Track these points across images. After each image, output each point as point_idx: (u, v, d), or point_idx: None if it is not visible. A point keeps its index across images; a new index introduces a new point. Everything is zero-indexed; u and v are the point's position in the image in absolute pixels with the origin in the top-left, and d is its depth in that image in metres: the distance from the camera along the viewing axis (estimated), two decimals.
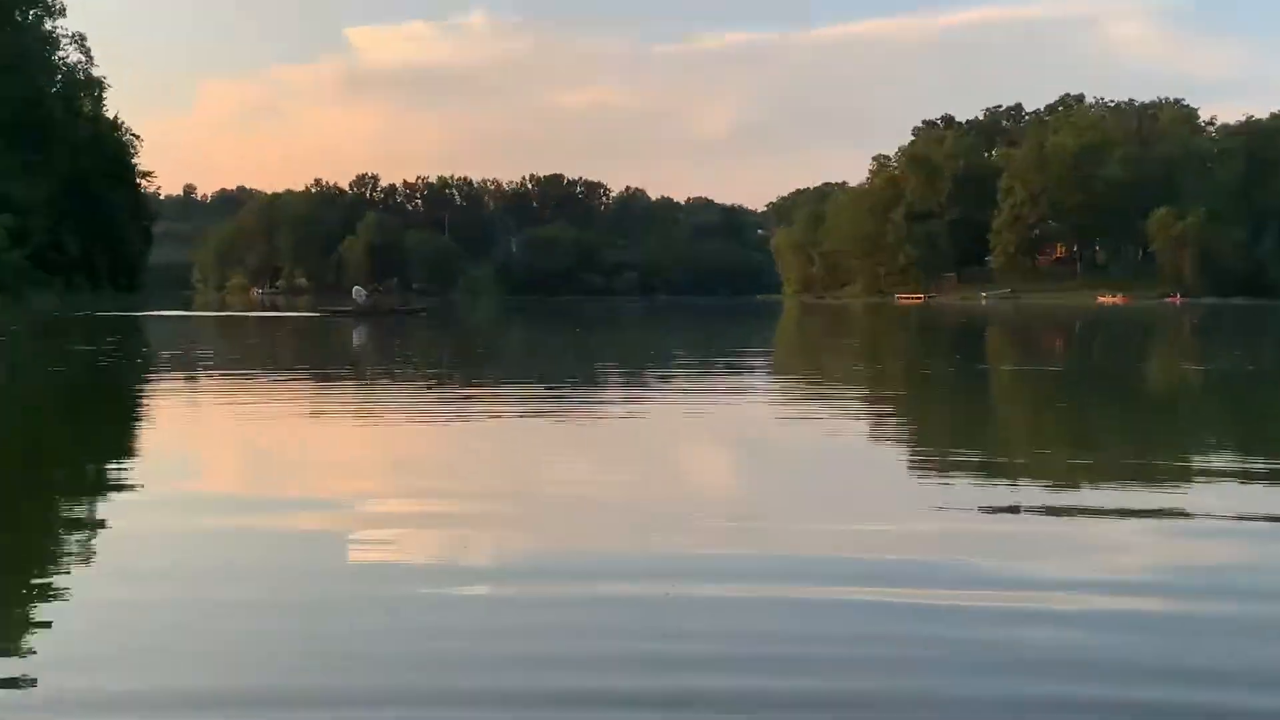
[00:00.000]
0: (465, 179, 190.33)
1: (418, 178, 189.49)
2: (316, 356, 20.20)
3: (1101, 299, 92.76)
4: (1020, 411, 11.62)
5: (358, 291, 44.58)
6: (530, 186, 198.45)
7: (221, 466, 7.30)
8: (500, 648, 3.41)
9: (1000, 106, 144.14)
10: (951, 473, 6.80)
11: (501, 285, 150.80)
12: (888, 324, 47.04)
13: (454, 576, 4.28)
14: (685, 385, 13.71)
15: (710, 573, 4.30)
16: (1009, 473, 6.93)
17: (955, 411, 11.24)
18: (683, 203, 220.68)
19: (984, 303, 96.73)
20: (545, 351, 22.85)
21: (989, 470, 6.97)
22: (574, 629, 3.60)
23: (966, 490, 6.12)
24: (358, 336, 27.38)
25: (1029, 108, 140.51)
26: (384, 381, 13.78)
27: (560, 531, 5.09)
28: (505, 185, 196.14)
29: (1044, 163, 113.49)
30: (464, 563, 4.55)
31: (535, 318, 47.26)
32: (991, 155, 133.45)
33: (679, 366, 17.44)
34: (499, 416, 9.92)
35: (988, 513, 5.47)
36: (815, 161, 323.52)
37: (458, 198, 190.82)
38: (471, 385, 13.48)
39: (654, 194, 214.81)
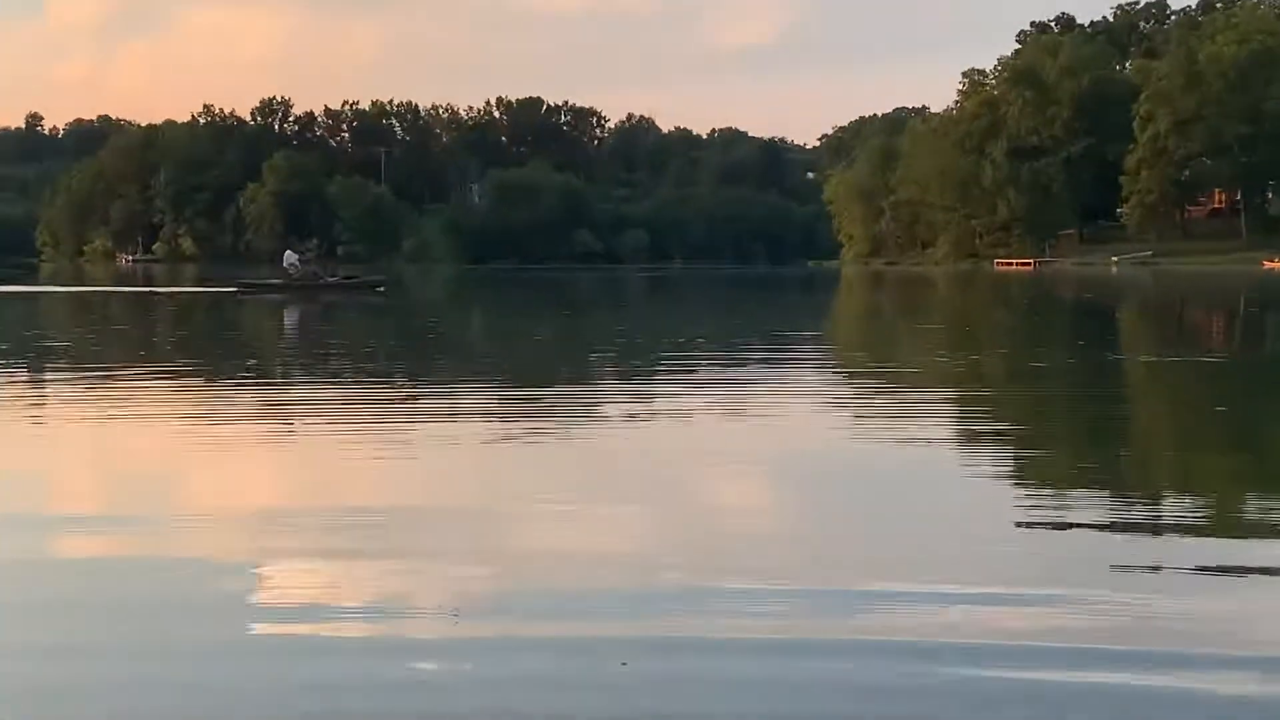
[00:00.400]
0: (409, 105, 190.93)
1: (344, 103, 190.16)
2: (224, 348, 20.19)
3: (1270, 264, 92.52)
4: (1174, 421, 11.51)
5: (289, 258, 43.79)
6: (498, 115, 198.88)
7: (67, 487, 7.58)
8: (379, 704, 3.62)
9: (1137, 3, 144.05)
10: (1093, 511, 6.70)
11: (460, 248, 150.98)
12: (985, 299, 46.93)
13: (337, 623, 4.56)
14: (710, 386, 13.79)
15: (735, 650, 4.23)
16: (1184, 513, 6.83)
17: (1083, 422, 11.14)
18: (705, 136, 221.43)
19: (1114, 269, 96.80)
20: (516, 342, 22.84)
21: (1151, 511, 6.87)
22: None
23: (1135, 544, 6.02)
24: (290, 320, 27.44)
25: (1175, 4, 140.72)
26: (309, 381, 13.80)
27: (505, 578, 5.16)
28: (464, 113, 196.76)
29: (1196, 79, 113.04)
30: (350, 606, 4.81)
31: (507, 293, 47.22)
32: (1125, 69, 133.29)
33: (701, 358, 17.59)
34: (450, 436, 9.90)
35: (1182, 573, 5.36)
36: (885, 80, 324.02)
37: (399, 130, 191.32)
38: (422, 383, 13.54)
39: (666, 125, 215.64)
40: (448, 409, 11.54)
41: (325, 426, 10.21)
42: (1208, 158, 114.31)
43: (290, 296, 37.69)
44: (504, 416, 11.06)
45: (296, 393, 13.15)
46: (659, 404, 12.19)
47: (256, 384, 13.96)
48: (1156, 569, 5.42)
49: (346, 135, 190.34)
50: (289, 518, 6.63)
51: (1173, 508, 6.91)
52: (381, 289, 43.60)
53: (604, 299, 41.87)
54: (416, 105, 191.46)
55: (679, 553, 5.82)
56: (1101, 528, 6.21)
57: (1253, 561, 5.56)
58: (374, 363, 17.16)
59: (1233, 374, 15.76)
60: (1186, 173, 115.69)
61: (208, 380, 14.52)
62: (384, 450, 8.99)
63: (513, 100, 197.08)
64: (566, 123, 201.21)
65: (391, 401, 12.11)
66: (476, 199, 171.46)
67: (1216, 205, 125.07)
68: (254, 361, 17.45)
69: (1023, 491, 7.33)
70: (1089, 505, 6.81)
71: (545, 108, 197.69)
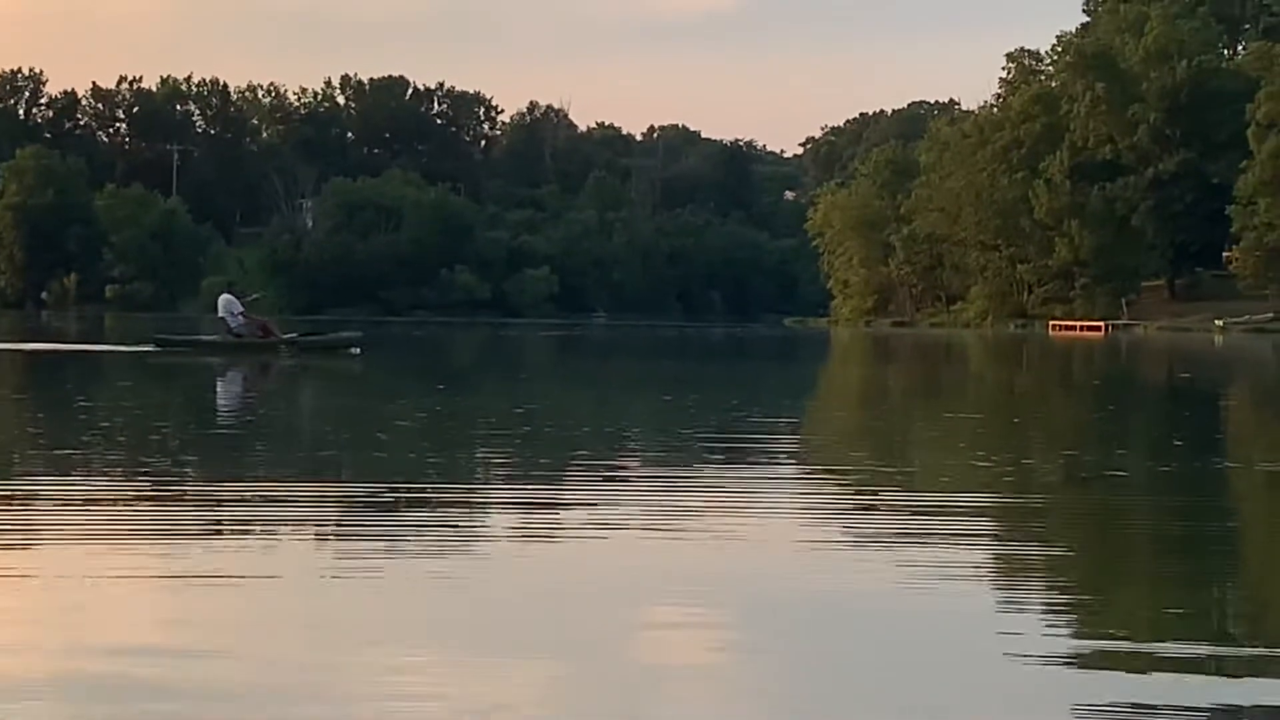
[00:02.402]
0: (214, 84, 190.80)
1: (121, 81, 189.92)
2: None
3: None
4: None
5: (227, 304, 45.19)
6: (342, 101, 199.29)
7: None
8: None
9: None
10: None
11: (285, 292, 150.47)
12: (1037, 375, 47.27)
13: None
14: (642, 495, 13.92)
15: None
16: None
17: (1180, 555, 11.22)
18: (640, 138, 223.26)
19: (1219, 338, 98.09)
20: (367, 426, 22.75)
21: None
22: None
23: None
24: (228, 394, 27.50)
25: None
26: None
27: None
28: (293, 98, 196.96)
29: None
30: None
31: (376, 354, 47.08)
32: (1235, 54, 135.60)
33: (632, 456, 17.78)
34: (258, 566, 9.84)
35: None
36: (896, 62, 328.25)
37: (200, 120, 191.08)
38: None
39: (585, 120, 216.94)
40: (261, 526, 11.50)
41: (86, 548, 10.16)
42: None
43: (228, 358, 40.36)
44: (347, 535, 11.05)
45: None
46: (568, 517, 12.26)
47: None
48: None
49: (123, 126, 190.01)
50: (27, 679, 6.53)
51: None
52: (356, 350, 45.33)
53: (494, 368, 41.90)
54: (225, 85, 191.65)
55: None
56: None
57: None
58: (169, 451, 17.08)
59: None
60: None
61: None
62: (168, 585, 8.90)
63: (364, 80, 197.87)
64: (441, 113, 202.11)
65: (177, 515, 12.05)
66: (310, 222, 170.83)
67: None
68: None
69: (1083, 665, 7.34)
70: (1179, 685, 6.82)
71: (411, 92, 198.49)
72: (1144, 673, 6.99)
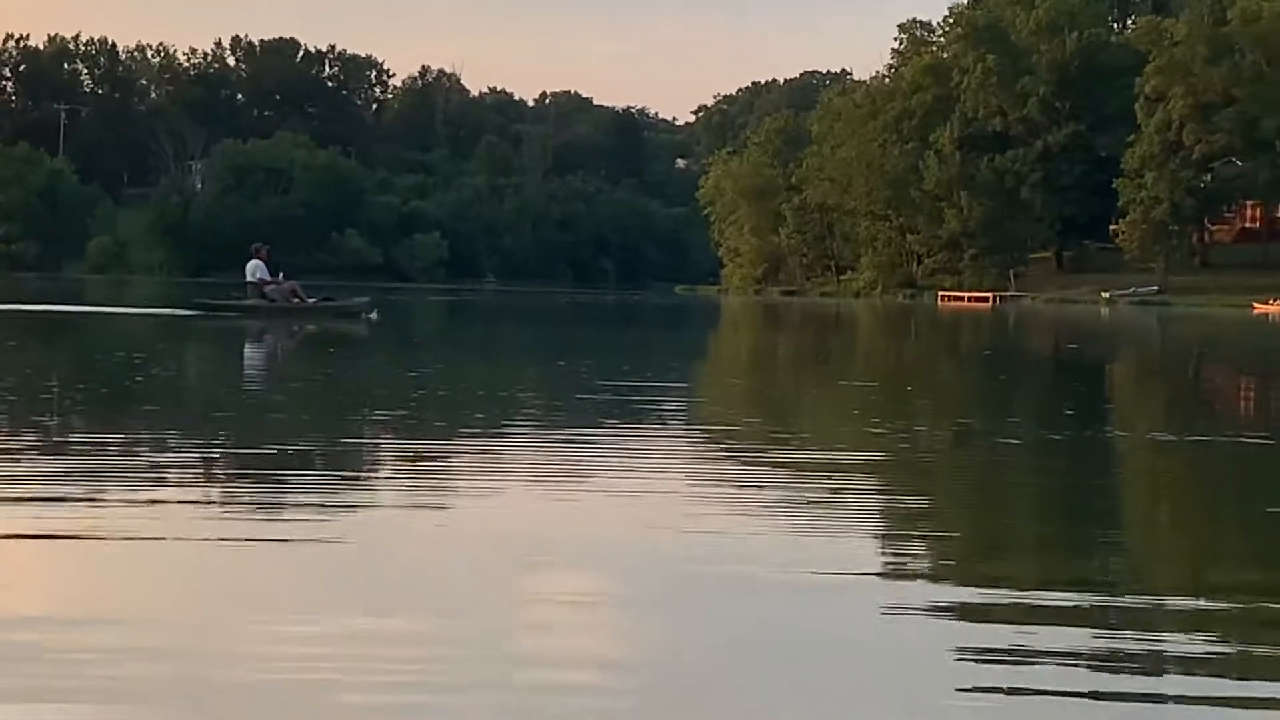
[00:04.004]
0: (103, 43, 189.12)
1: (6, 39, 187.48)
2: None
3: (1263, 307, 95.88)
4: (1206, 524, 11.71)
5: (254, 269, 46.03)
6: (233, 62, 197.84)
7: None
8: None
9: None
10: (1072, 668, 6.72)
11: (173, 254, 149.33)
12: (927, 345, 47.58)
13: None
14: (534, 459, 13.85)
15: None
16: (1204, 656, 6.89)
17: (1073, 522, 11.27)
18: (532, 103, 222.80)
19: (1105, 310, 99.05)
20: (247, 390, 22.58)
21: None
22: None
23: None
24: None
25: None
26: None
27: None
28: (183, 58, 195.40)
29: (1224, 46, 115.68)
30: None
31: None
32: (1124, 28, 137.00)
33: (523, 420, 17.72)
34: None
35: None
36: (788, 31, 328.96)
37: (88, 80, 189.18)
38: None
39: (477, 85, 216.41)
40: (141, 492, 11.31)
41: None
42: (1239, 157, 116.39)
43: (265, 322, 41.46)
44: (226, 500, 10.94)
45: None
46: (459, 478, 12.22)
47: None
48: None
49: (10, 85, 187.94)
50: None
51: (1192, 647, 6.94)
52: (371, 314, 46.32)
53: (385, 332, 41.72)
54: (113, 44, 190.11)
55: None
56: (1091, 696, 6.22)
57: None
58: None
59: None
60: (1209, 177, 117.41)
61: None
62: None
63: (255, 42, 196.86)
64: (332, 76, 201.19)
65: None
66: (199, 183, 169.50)
67: (1249, 224, 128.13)
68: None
69: (984, 631, 7.31)
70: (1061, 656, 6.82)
71: (302, 54, 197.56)
72: (1026, 623, 7.03)
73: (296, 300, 45.77)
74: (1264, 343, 53.14)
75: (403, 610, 7.32)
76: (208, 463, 12.85)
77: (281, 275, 46.38)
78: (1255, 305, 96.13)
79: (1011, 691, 5.96)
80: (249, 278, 46.08)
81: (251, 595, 7.60)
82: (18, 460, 12.35)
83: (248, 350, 33.44)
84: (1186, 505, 12.65)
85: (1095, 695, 5.93)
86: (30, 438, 14.14)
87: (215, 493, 11.35)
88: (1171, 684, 6.16)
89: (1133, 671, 6.34)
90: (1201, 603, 7.81)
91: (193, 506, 10.49)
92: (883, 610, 7.37)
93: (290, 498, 10.88)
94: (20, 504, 10.05)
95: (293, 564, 8.50)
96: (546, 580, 8.25)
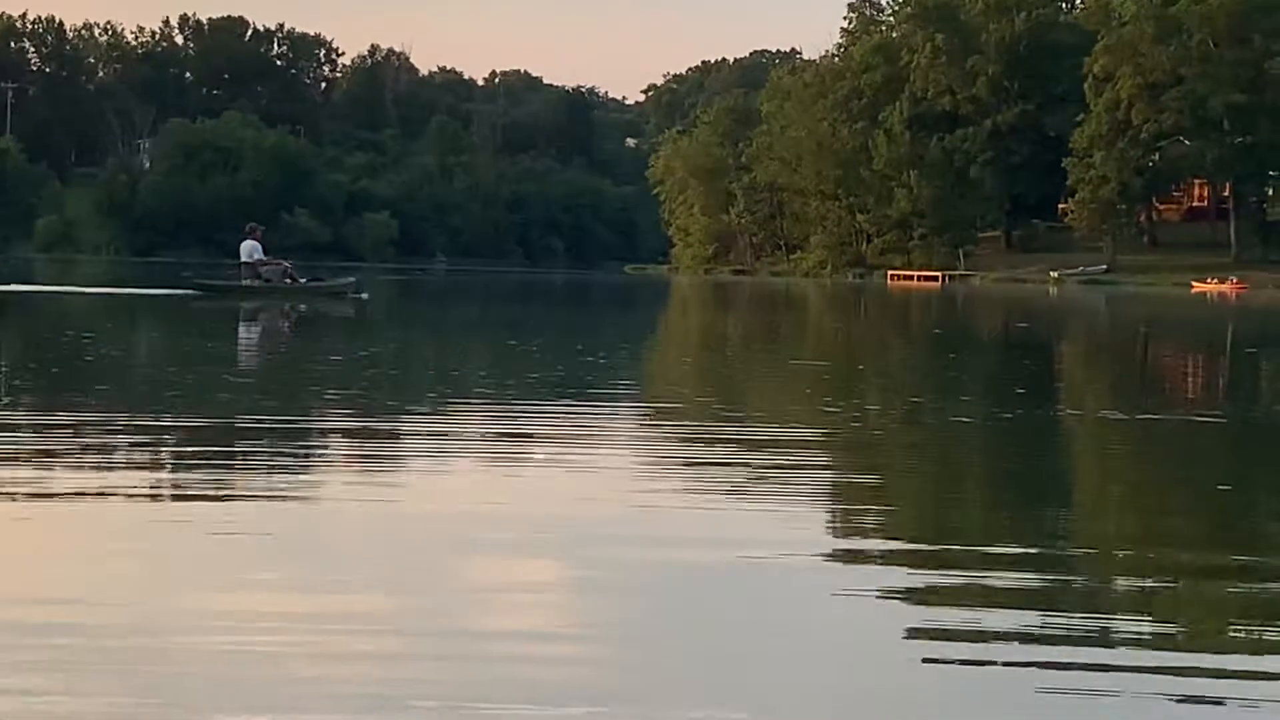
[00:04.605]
0: (50, 22, 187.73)
1: None
2: None
3: (1202, 285, 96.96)
4: (1160, 501, 11.77)
5: (250, 250, 46.02)
6: (181, 40, 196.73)
7: None
8: None
9: None
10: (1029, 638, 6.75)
11: (120, 234, 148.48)
12: (878, 324, 47.70)
13: None
14: (483, 437, 13.80)
15: None
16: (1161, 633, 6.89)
17: (1022, 499, 11.33)
18: (481, 83, 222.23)
19: (1053, 289, 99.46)
20: (206, 367, 22.47)
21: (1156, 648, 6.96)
22: None
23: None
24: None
25: None
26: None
27: None
28: (131, 37, 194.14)
29: (1173, 26, 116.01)
30: None
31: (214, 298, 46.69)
32: (1073, 8, 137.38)
33: (475, 399, 17.66)
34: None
35: None
36: (738, 10, 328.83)
37: (35, 59, 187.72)
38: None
39: (426, 64, 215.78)
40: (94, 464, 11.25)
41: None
42: (1186, 136, 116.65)
43: (262, 302, 41.79)
44: (174, 477, 10.93)
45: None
46: (408, 456, 12.22)
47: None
48: None
49: None
50: None
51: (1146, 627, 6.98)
52: (361, 294, 46.92)
53: (334, 311, 41.65)
54: (60, 22, 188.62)
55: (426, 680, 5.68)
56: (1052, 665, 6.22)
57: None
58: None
59: (1234, 437, 16.21)
60: (1157, 156, 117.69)
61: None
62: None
63: (203, 20, 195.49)
64: (281, 55, 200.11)
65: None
66: (146, 163, 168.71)
67: (1196, 203, 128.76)
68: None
69: (938, 609, 7.33)
70: (1026, 628, 6.84)
71: (250, 33, 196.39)
72: (979, 606, 7.02)
73: (289, 280, 46.05)
74: (1203, 322, 53.58)
75: (351, 587, 7.31)
76: (156, 439, 12.78)
77: (259, 251, 46.55)
78: (1194, 284, 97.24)
79: (965, 664, 6.01)
80: (244, 258, 46.01)
81: (195, 571, 7.55)
82: None
83: (244, 330, 33.54)
84: (1139, 483, 12.73)
85: (1045, 665, 5.95)
86: None
87: (164, 470, 11.26)
88: (1121, 656, 6.22)
89: (1082, 644, 6.37)
90: (1150, 581, 7.89)
91: (138, 482, 10.39)
92: (834, 592, 7.37)
93: (239, 476, 10.89)
94: None
95: (237, 541, 8.44)
96: (493, 557, 8.24)
